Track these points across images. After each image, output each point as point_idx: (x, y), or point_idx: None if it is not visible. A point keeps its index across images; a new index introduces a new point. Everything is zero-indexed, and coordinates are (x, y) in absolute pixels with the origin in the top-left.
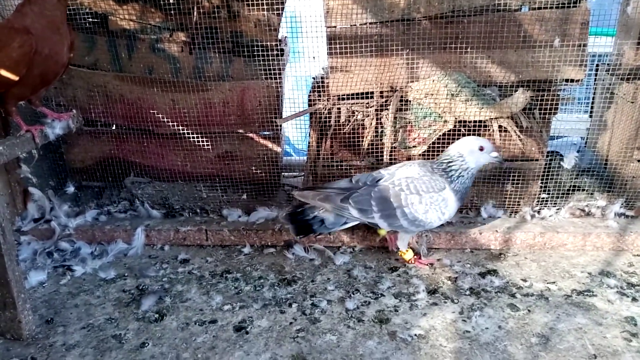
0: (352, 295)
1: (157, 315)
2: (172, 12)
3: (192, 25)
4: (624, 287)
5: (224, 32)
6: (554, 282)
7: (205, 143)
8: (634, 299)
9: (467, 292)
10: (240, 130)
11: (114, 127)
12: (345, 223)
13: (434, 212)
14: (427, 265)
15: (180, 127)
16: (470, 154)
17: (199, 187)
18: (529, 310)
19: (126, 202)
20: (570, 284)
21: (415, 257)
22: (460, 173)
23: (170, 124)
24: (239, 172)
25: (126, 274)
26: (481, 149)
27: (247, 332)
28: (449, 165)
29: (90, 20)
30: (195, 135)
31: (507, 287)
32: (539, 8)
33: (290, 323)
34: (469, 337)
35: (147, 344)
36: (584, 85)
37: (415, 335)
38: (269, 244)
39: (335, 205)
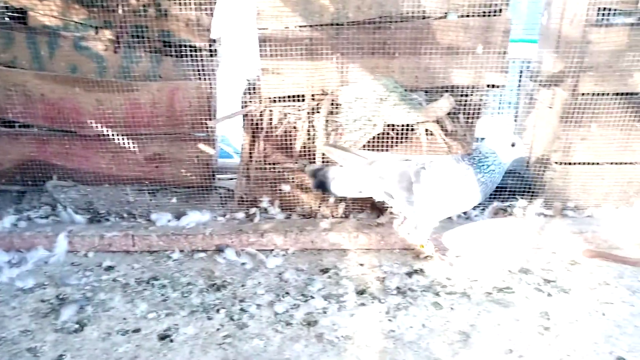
0: (281, 299)
1: (77, 326)
2: (97, 9)
3: (117, 23)
4: (540, 284)
5: (153, 30)
6: (477, 280)
7: (132, 145)
8: (549, 294)
9: (394, 292)
10: (170, 132)
11: (35, 129)
12: (360, 192)
13: (456, 195)
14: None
15: (106, 129)
16: (501, 149)
17: (126, 190)
18: (451, 308)
19: (48, 207)
20: (491, 281)
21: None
22: (491, 166)
23: (95, 125)
24: (169, 175)
25: (46, 283)
26: (513, 145)
27: (171, 341)
28: (481, 156)
29: (9, 15)
30: (121, 137)
31: (432, 286)
32: (463, 16)
33: (218, 329)
34: (394, 336)
35: (64, 356)
36: (512, 90)
37: (342, 336)
38: (200, 248)
39: (361, 167)
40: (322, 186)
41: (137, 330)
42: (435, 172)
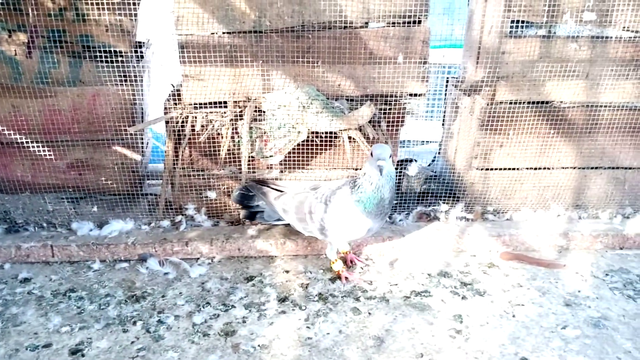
0: (202, 309)
1: None
2: (10, 11)
3: (29, 27)
4: (457, 287)
5: (72, 34)
6: (397, 284)
7: (52, 152)
8: (464, 297)
9: (316, 298)
10: (93, 138)
11: None
12: (280, 219)
13: (339, 223)
14: (354, 281)
15: (24, 135)
16: (369, 159)
17: (47, 198)
18: (369, 313)
19: None
20: (411, 286)
21: (344, 268)
22: (361, 183)
23: (12, 131)
24: (92, 182)
25: None
26: (372, 154)
27: (83, 355)
28: (359, 176)
29: None
30: (40, 144)
31: (354, 291)
32: (384, 26)
33: (132, 342)
34: (310, 343)
35: None
36: (437, 97)
37: (259, 345)
38: (122, 258)
39: (268, 201)
40: (249, 217)
41: (47, 346)
42: (323, 205)
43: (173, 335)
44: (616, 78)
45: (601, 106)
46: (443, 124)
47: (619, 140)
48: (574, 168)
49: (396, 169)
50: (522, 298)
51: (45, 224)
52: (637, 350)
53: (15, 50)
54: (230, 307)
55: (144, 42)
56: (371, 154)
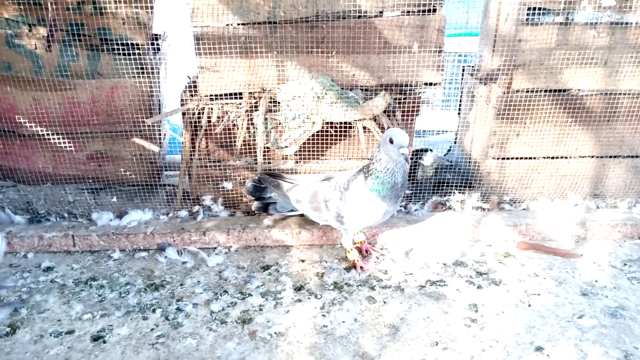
0: (219, 297)
1: (8, 329)
2: (29, 5)
3: (49, 21)
4: (472, 276)
5: (90, 28)
6: (412, 274)
7: (72, 144)
8: (479, 287)
9: (331, 287)
10: (111, 130)
11: None
12: (292, 210)
13: (354, 209)
14: (369, 270)
15: (44, 128)
16: (384, 146)
17: (68, 189)
18: (384, 302)
19: None
20: (426, 275)
21: (359, 258)
22: (376, 169)
23: (33, 124)
24: (111, 173)
25: None
26: (391, 141)
27: (104, 342)
28: (372, 162)
29: None
30: (60, 136)
31: (369, 280)
32: (399, 15)
33: (152, 329)
34: (326, 331)
35: None
36: (454, 86)
37: (275, 333)
38: (141, 247)
39: (281, 193)
40: (262, 209)
41: (70, 332)
42: (338, 193)
43: (191, 322)
44: (636, 65)
45: (620, 94)
46: (459, 113)
47: (638, 128)
48: (592, 157)
49: (411, 158)
50: (538, 287)
51: (66, 215)
52: None
53: (35, 44)
54: (247, 295)
55: (160, 35)
56: (390, 141)
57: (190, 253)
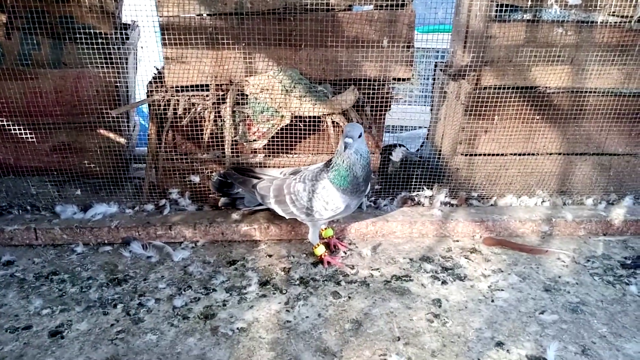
0: (182, 292)
1: None
2: None
3: (7, 8)
4: (438, 272)
5: (53, 16)
6: (378, 269)
7: (35, 135)
8: (444, 282)
9: (297, 282)
10: (77, 121)
11: None
12: (260, 205)
13: (318, 201)
14: (336, 265)
15: (5, 118)
16: (341, 140)
17: (30, 182)
18: (349, 297)
19: None
20: (392, 270)
21: (326, 253)
22: (336, 162)
23: None
24: (75, 165)
25: None
26: (347, 142)
27: (62, 337)
28: (335, 156)
29: None
30: (22, 127)
31: (335, 275)
32: (368, 9)
33: (112, 325)
34: (289, 326)
35: None
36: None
37: (238, 328)
38: (105, 241)
39: (247, 189)
40: (229, 204)
41: (27, 327)
42: (302, 184)
43: (153, 318)
44: (602, 64)
45: (587, 92)
46: (431, 109)
47: (604, 126)
48: (560, 154)
49: (382, 154)
50: (502, 283)
51: (29, 207)
52: (612, 334)
53: (2, 32)
54: (211, 290)
55: (130, 25)
56: (347, 141)
57: (155, 247)
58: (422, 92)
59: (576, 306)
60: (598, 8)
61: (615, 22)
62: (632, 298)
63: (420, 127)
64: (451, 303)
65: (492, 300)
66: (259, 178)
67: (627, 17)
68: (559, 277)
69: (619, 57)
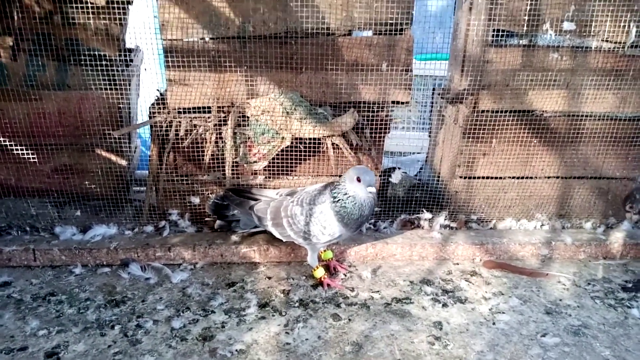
0: (181, 314)
1: None
2: None
3: (14, 30)
4: (438, 294)
5: (59, 39)
6: (379, 291)
7: (37, 156)
8: (445, 305)
9: (297, 304)
10: (79, 143)
11: None
12: (256, 227)
13: (315, 225)
14: (336, 287)
15: (8, 139)
16: (351, 183)
17: (31, 202)
18: (349, 320)
19: None
20: (392, 293)
21: (326, 275)
22: (341, 197)
23: None
24: (76, 186)
25: None
26: (358, 179)
27: (58, 358)
28: (336, 186)
29: None
30: (25, 147)
31: (335, 298)
32: (367, 34)
33: (109, 346)
34: (288, 349)
35: None
36: (428, 109)
37: (236, 350)
38: (104, 263)
39: (244, 210)
40: (225, 227)
41: (23, 349)
42: (300, 208)
43: (151, 339)
44: (597, 88)
45: (583, 116)
46: (430, 134)
47: (601, 150)
48: (558, 177)
49: (381, 177)
50: (503, 306)
51: (28, 228)
52: (615, 357)
53: (0, 53)
54: (210, 312)
55: (133, 49)
56: (357, 179)
57: (154, 269)
58: (420, 118)
59: (578, 329)
60: (592, 34)
61: (609, 48)
62: (635, 321)
63: (419, 152)
64: (452, 326)
65: (494, 323)
66: (255, 199)
67: (620, 43)
68: (560, 300)
69: (614, 81)
